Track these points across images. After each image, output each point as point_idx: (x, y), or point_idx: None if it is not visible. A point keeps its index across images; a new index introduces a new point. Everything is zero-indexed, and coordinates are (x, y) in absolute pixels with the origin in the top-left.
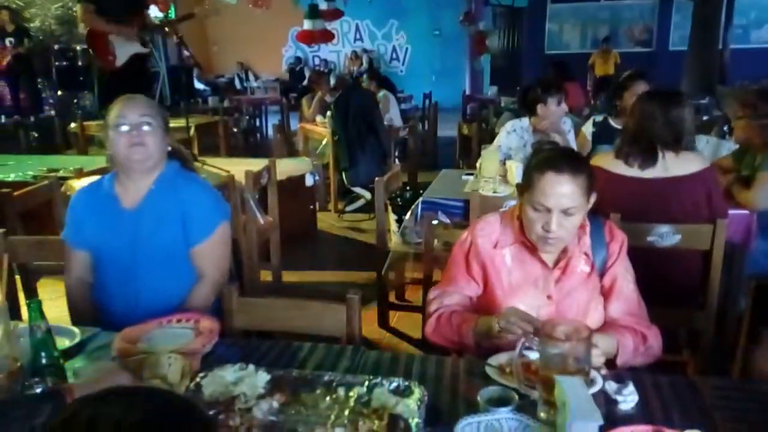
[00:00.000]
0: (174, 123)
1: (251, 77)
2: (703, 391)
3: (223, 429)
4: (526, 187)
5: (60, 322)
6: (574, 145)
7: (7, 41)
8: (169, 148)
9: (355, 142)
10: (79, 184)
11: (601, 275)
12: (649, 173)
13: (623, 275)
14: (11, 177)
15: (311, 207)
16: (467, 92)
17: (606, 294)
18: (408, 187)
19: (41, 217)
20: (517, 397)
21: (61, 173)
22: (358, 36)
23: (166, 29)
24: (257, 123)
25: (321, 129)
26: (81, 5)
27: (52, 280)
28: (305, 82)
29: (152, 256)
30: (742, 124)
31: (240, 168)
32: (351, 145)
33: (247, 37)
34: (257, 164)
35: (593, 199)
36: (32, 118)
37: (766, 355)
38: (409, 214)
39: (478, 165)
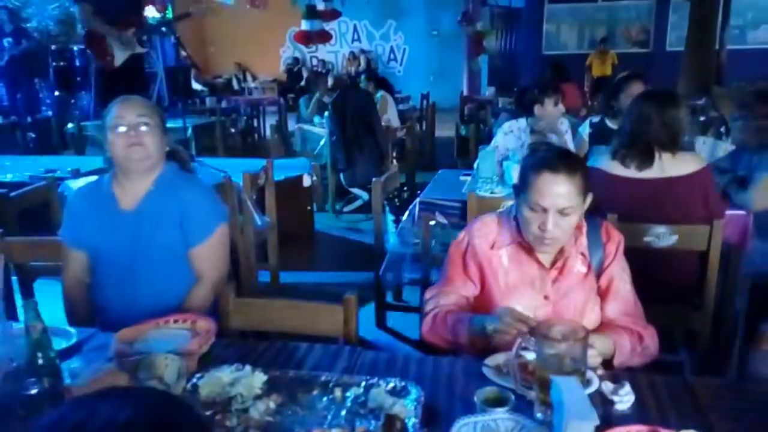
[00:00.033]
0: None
1: (249, 78)
2: (699, 391)
3: (220, 430)
4: (522, 187)
5: (57, 323)
6: (571, 146)
7: (5, 41)
8: (168, 149)
9: (353, 142)
10: (76, 184)
11: (598, 276)
12: (646, 174)
13: (620, 275)
14: (8, 177)
15: (309, 207)
16: (465, 93)
17: (603, 294)
18: (405, 188)
19: (38, 218)
20: (513, 397)
21: (58, 174)
22: (355, 36)
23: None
24: (255, 123)
25: (318, 129)
26: (79, 7)
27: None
28: (303, 83)
29: (151, 257)
30: (739, 125)
31: (238, 169)
32: (349, 145)
33: (244, 38)
34: (255, 165)
35: (589, 199)
36: (29, 119)
37: (762, 356)
38: (406, 214)
39: (475, 165)
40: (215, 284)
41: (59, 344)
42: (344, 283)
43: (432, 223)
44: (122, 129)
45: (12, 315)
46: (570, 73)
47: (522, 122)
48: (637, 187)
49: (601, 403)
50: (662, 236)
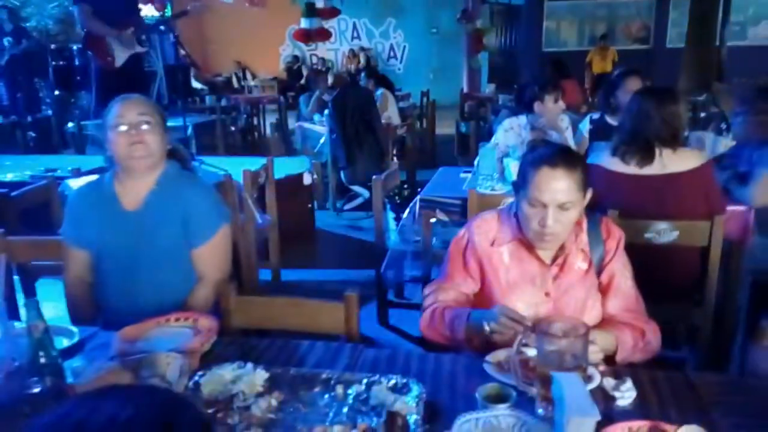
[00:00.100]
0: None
1: (249, 76)
2: (701, 387)
3: (222, 427)
4: (521, 183)
5: (59, 322)
6: (571, 143)
7: (5, 41)
8: (169, 146)
9: (353, 140)
10: (76, 183)
11: (599, 272)
12: (647, 170)
13: (621, 272)
14: (9, 177)
15: (309, 205)
16: (465, 90)
17: (604, 291)
18: (406, 185)
19: (39, 217)
20: (515, 393)
21: (58, 173)
22: (355, 34)
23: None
24: (255, 122)
25: (319, 127)
26: (78, 7)
27: (51, 280)
28: (303, 81)
29: (153, 255)
30: (739, 120)
31: (238, 167)
32: (349, 143)
33: (244, 36)
34: (255, 163)
35: (589, 194)
36: (29, 118)
37: (762, 351)
38: (407, 211)
39: (475, 163)
40: (217, 285)
41: (61, 343)
42: (345, 280)
43: (433, 220)
44: (123, 128)
45: (14, 314)
46: (570, 69)
47: (522, 119)
48: (637, 184)
49: (603, 398)
50: (663, 232)
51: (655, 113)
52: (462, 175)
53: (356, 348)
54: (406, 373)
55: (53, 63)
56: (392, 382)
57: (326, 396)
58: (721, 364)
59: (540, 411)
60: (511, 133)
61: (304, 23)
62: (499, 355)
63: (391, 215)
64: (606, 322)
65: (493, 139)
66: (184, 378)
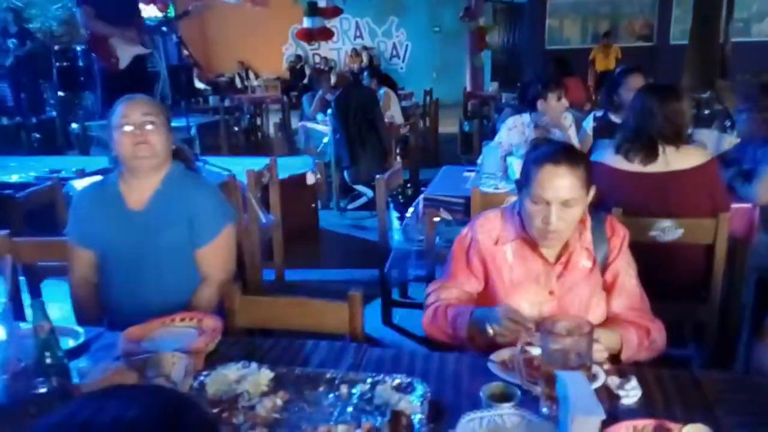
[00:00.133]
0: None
1: (252, 76)
2: (706, 385)
3: (227, 427)
4: (524, 181)
5: (64, 322)
6: (575, 141)
7: (10, 42)
8: (174, 147)
9: (356, 139)
10: (81, 184)
11: (603, 270)
12: (651, 168)
13: (625, 270)
14: (14, 178)
15: (313, 205)
16: (468, 89)
17: (608, 289)
18: (409, 185)
19: (44, 218)
20: (519, 392)
21: (62, 174)
22: (358, 33)
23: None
24: (258, 122)
25: (322, 127)
26: (80, 9)
27: (56, 281)
28: (306, 80)
29: (158, 255)
30: (744, 117)
31: (241, 167)
32: (352, 142)
33: (247, 36)
34: (259, 163)
35: (592, 192)
36: (34, 119)
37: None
38: (410, 211)
39: (479, 161)
40: (221, 285)
41: (67, 344)
42: (349, 280)
43: (436, 219)
44: (128, 128)
45: (20, 315)
46: (573, 67)
47: (526, 117)
48: (641, 182)
49: (608, 397)
50: (667, 230)
51: (659, 110)
52: (465, 173)
53: (360, 347)
54: (411, 373)
55: (57, 64)
56: (396, 381)
57: (331, 395)
58: (726, 362)
59: (544, 410)
60: (514, 131)
61: (306, 22)
62: (504, 354)
63: (394, 214)
64: (611, 321)
65: (496, 137)
66: (188, 378)
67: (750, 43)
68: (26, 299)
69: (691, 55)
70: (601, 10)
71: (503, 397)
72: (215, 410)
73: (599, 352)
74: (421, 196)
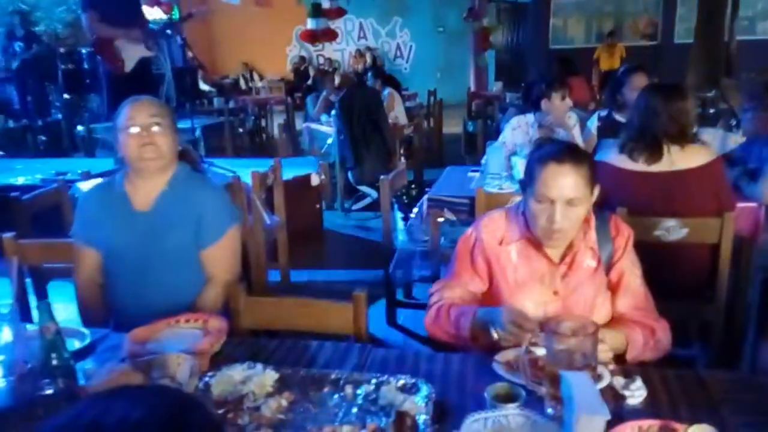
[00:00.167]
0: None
1: (256, 77)
2: (712, 385)
3: (232, 428)
4: (528, 181)
5: (70, 324)
6: (579, 140)
7: (16, 46)
8: (180, 148)
9: (361, 140)
10: (86, 186)
11: (608, 270)
12: (655, 167)
13: (630, 270)
14: (20, 181)
15: (318, 206)
16: (472, 89)
17: (613, 289)
18: (413, 185)
19: (50, 220)
20: (524, 393)
21: (68, 176)
22: (361, 34)
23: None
24: (263, 123)
25: (326, 128)
26: (86, 15)
27: (62, 283)
28: (310, 82)
29: (164, 257)
30: (749, 116)
31: (246, 168)
32: (356, 143)
33: (251, 38)
34: (263, 164)
35: (596, 191)
36: (40, 122)
37: None
38: (415, 211)
39: (483, 161)
40: (226, 285)
41: (73, 345)
42: (354, 280)
43: (440, 219)
44: (134, 130)
45: (26, 317)
46: (578, 67)
47: (530, 117)
48: (646, 181)
49: (613, 397)
50: (672, 230)
51: (663, 109)
52: (470, 174)
53: (365, 348)
54: (415, 373)
55: (62, 67)
56: (401, 382)
57: (335, 396)
58: (732, 362)
59: (549, 410)
60: (518, 131)
61: (310, 24)
62: (508, 354)
63: (399, 215)
64: (616, 321)
65: (500, 137)
66: (194, 379)
67: (755, 41)
68: (32, 301)
69: (696, 54)
70: (606, 9)
71: (508, 398)
72: (220, 411)
73: (604, 352)
74: (426, 197)
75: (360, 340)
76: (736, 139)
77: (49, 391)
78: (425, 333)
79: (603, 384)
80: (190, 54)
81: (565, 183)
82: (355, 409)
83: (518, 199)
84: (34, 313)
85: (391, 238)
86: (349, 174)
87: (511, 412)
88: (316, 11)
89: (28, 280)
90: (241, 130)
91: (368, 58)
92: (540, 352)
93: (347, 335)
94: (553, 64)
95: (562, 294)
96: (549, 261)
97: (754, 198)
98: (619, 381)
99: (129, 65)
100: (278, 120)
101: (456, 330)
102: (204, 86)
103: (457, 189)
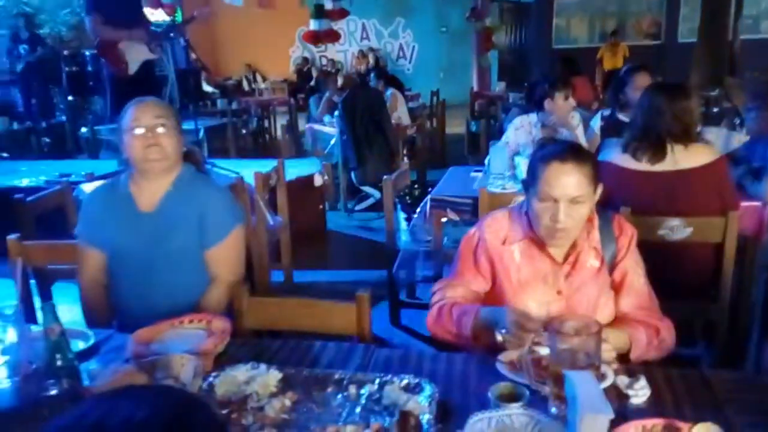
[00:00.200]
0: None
1: (259, 79)
2: (716, 385)
3: (236, 428)
4: (531, 181)
5: (74, 325)
6: (582, 140)
7: (21, 48)
8: (185, 149)
9: (363, 141)
10: (90, 188)
11: (611, 270)
12: (659, 167)
13: (633, 269)
14: (24, 182)
15: (321, 207)
16: (475, 89)
17: (617, 288)
18: (416, 185)
19: (54, 222)
20: (528, 392)
21: (72, 178)
22: (364, 35)
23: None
24: (266, 124)
25: (329, 129)
26: (89, 18)
27: (66, 284)
28: (313, 83)
29: (168, 257)
30: (753, 115)
31: (249, 169)
32: (359, 144)
33: (254, 39)
34: (266, 165)
35: (599, 190)
36: (44, 124)
37: None
38: (418, 211)
39: (486, 161)
40: (230, 286)
41: (77, 346)
42: (357, 281)
43: (444, 220)
44: (139, 131)
45: (31, 318)
46: (581, 66)
47: (533, 117)
48: (649, 181)
49: (616, 397)
50: (676, 229)
51: (666, 109)
52: (473, 174)
53: (368, 348)
54: (419, 373)
55: (66, 69)
56: (405, 381)
57: (339, 396)
58: (736, 361)
59: (553, 410)
60: (521, 131)
61: (313, 25)
62: (512, 354)
63: (402, 215)
64: (619, 320)
65: (503, 137)
66: (198, 379)
67: (759, 40)
68: (37, 302)
69: (700, 53)
70: (609, 8)
71: (512, 397)
72: (224, 411)
73: (608, 351)
74: (429, 197)
75: (363, 341)
76: (739, 138)
77: (54, 392)
78: (428, 333)
79: (607, 383)
80: (193, 56)
81: (569, 182)
82: (358, 409)
83: (521, 198)
84: (39, 315)
85: (394, 239)
86: (352, 174)
87: (515, 411)
88: (319, 12)
89: (32, 282)
90: (244, 131)
91: (371, 59)
92: (543, 351)
93: (350, 335)
94: (556, 63)
95: (565, 294)
96: (552, 261)
97: (757, 197)
98: (622, 380)
99: (132, 67)
100: (281, 121)
101: (458, 329)
102: (207, 88)
103: (460, 189)
